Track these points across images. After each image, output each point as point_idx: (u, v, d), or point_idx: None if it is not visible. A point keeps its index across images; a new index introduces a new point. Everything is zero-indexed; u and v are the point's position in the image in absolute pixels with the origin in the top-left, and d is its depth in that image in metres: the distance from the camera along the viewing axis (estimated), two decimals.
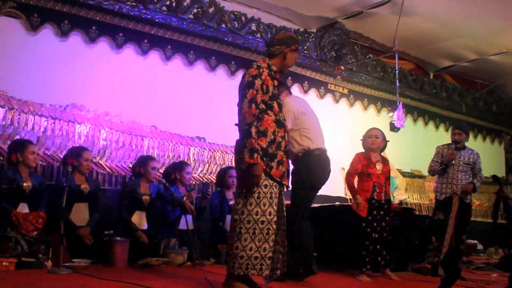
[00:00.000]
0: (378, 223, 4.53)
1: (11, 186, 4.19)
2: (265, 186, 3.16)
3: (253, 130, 3.08)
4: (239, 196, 3.17)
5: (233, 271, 3.10)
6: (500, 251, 7.19)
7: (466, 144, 5.42)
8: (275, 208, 3.19)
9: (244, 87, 3.16)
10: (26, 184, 4.28)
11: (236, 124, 3.27)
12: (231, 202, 5.08)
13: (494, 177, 3.85)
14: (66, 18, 5.41)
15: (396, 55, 7.30)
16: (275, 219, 3.18)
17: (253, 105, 3.10)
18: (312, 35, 7.75)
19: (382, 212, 4.56)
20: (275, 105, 3.27)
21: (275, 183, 3.21)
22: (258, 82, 3.16)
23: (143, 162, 5.09)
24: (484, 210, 9.54)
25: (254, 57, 6.81)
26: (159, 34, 6.07)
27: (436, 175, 5.47)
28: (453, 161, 5.19)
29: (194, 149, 6.18)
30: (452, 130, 5.48)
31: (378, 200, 4.56)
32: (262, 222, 3.12)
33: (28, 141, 4.60)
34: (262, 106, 3.17)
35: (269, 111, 3.20)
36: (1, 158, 4.75)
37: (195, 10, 6.37)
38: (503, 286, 3.56)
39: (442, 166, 5.33)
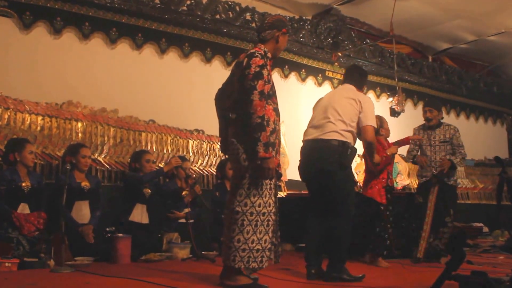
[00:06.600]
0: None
1: (10, 187, 4.14)
2: None
3: (265, 123, 3.00)
4: (241, 187, 3.10)
5: (234, 265, 3.03)
6: (506, 233, 7.15)
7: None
8: (274, 199, 3.15)
9: (253, 78, 3.05)
10: (25, 184, 4.24)
11: (232, 115, 3.21)
12: None
13: (497, 158, 3.77)
14: (58, 15, 5.37)
15: (394, 40, 7.23)
16: (274, 210, 3.13)
17: (263, 97, 3.03)
18: (308, 22, 7.67)
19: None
20: (273, 93, 3.23)
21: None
22: (265, 73, 3.09)
23: (137, 157, 5.15)
24: (488, 192, 9.50)
25: (250, 47, 6.71)
26: (153, 27, 6.01)
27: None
28: (425, 142, 5.03)
29: (193, 142, 6.14)
30: (423, 108, 5.29)
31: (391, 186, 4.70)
32: (263, 214, 3.07)
33: (26, 140, 4.55)
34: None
35: (269, 101, 3.13)
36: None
37: (188, 2, 6.31)
38: (510, 268, 3.52)
39: (412, 161, 5.22)
